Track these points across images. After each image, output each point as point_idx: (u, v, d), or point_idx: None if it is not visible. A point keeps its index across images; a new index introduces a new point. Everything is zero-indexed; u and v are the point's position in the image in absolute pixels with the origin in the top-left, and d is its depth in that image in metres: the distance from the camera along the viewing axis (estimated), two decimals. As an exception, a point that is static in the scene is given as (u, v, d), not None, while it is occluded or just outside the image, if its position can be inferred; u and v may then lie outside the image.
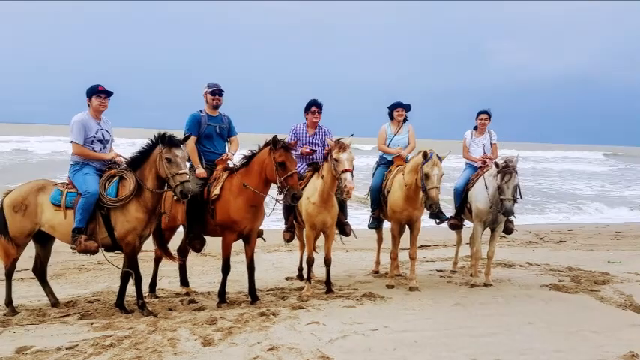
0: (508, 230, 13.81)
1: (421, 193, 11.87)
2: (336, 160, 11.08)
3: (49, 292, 11.07)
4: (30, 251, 10.99)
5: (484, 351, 8.60)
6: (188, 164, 11.35)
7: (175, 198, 10.34)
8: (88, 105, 10.61)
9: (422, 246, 18.56)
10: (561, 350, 8.68)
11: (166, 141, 9.89)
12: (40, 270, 11.10)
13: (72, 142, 10.47)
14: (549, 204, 35.18)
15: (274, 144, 10.58)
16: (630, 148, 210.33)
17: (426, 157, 11.66)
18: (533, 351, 8.64)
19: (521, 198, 12.67)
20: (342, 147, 11.16)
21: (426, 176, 11.57)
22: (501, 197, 12.32)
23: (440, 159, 11.73)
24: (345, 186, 10.93)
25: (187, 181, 9.80)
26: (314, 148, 12.70)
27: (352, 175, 11.10)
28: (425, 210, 12.27)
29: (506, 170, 12.33)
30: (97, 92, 10.52)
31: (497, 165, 12.68)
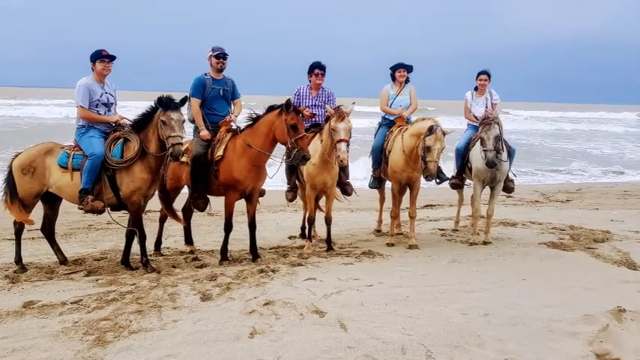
0: (508, 189, 13.93)
1: (421, 159, 12.04)
2: (333, 130, 11.27)
3: (57, 250, 11.33)
4: (40, 211, 11.27)
5: (475, 306, 8.78)
6: (192, 126, 11.65)
7: (170, 159, 10.45)
8: (92, 69, 10.79)
9: (426, 205, 18.88)
10: (550, 305, 8.81)
11: (163, 104, 10.09)
12: (48, 229, 11.34)
13: (78, 105, 10.69)
14: (566, 164, 35.32)
15: (287, 107, 10.81)
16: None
17: (431, 130, 11.74)
18: (523, 306, 8.77)
19: (503, 150, 12.79)
20: (340, 115, 11.34)
21: (428, 148, 11.72)
22: (483, 148, 12.50)
23: (444, 133, 11.83)
24: (339, 156, 11.17)
25: (179, 143, 9.97)
26: (315, 112, 12.69)
27: (348, 145, 11.32)
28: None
29: (486, 121, 12.54)
30: (101, 57, 10.70)
31: (476, 117, 13.00)
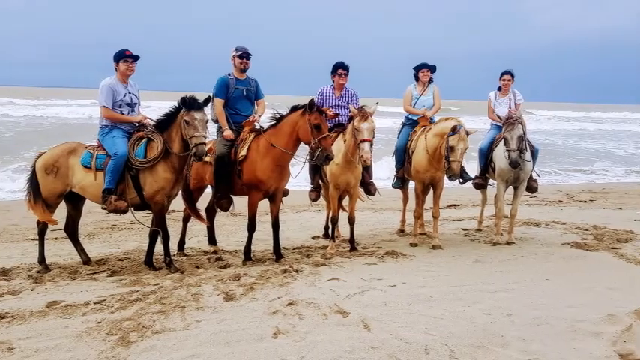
0: (532, 189, 13.90)
1: (444, 159, 12.06)
2: (356, 130, 11.29)
3: (81, 250, 11.37)
4: (63, 211, 11.32)
5: (498, 305, 8.77)
6: (216, 126, 11.67)
7: (193, 159, 10.49)
8: (116, 69, 10.83)
9: (449, 206, 18.87)
10: (574, 305, 8.79)
11: (186, 104, 10.10)
12: (71, 229, 11.38)
13: (101, 105, 10.72)
14: (589, 164, 35.17)
15: (310, 107, 10.84)
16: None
17: (454, 130, 11.76)
18: (546, 306, 8.76)
19: (526, 150, 12.76)
20: (364, 116, 11.34)
21: (451, 148, 11.74)
22: (507, 148, 12.49)
23: (467, 133, 11.84)
24: (362, 156, 11.20)
25: (203, 143, 9.99)
26: (338, 112, 12.66)
27: (371, 145, 11.32)
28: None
29: (510, 121, 12.52)
30: (124, 57, 10.74)
31: (500, 117, 13.03)
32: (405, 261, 11.68)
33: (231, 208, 11.88)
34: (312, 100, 10.94)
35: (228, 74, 11.93)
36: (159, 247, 10.90)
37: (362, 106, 11.68)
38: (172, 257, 11.02)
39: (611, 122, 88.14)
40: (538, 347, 7.37)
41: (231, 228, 15.22)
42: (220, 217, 13.49)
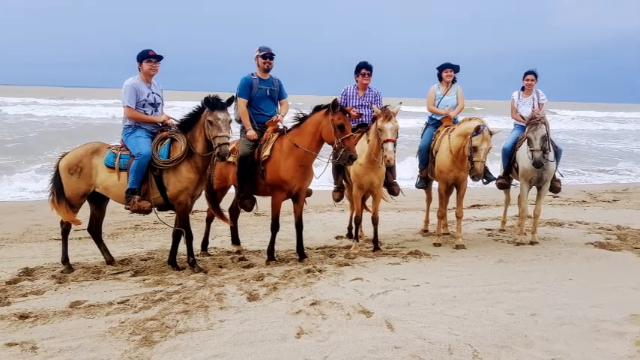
0: (555, 189, 13.81)
1: (467, 159, 12.05)
2: (380, 130, 11.27)
3: (104, 250, 11.39)
4: (87, 211, 11.35)
5: (522, 305, 8.77)
6: (239, 126, 11.67)
7: (216, 159, 10.48)
8: (139, 69, 10.85)
9: (473, 205, 18.80)
10: (597, 305, 8.79)
11: (210, 104, 10.10)
12: (95, 229, 11.41)
13: (124, 105, 10.72)
14: (612, 164, 34.90)
15: (334, 107, 10.81)
16: None
17: (478, 130, 11.74)
18: (570, 306, 8.75)
19: (550, 150, 12.73)
20: (387, 116, 11.32)
21: (474, 148, 11.72)
22: (530, 148, 12.46)
23: (491, 133, 11.82)
24: (385, 156, 11.20)
25: (226, 143, 9.97)
26: (361, 112, 12.66)
27: (394, 145, 11.29)
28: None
29: (533, 121, 12.48)
30: (148, 57, 10.75)
31: (523, 117, 13.05)
32: (428, 261, 11.66)
33: (254, 208, 11.85)
34: (335, 100, 10.91)
35: (252, 74, 11.90)
36: (182, 247, 10.90)
37: (385, 106, 11.67)
38: (196, 257, 11.05)
39: (634, 122, 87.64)
40: (561, 347, 7.36)
41: (254, 228, 15.20)
42: (244, 217, 13.51)
